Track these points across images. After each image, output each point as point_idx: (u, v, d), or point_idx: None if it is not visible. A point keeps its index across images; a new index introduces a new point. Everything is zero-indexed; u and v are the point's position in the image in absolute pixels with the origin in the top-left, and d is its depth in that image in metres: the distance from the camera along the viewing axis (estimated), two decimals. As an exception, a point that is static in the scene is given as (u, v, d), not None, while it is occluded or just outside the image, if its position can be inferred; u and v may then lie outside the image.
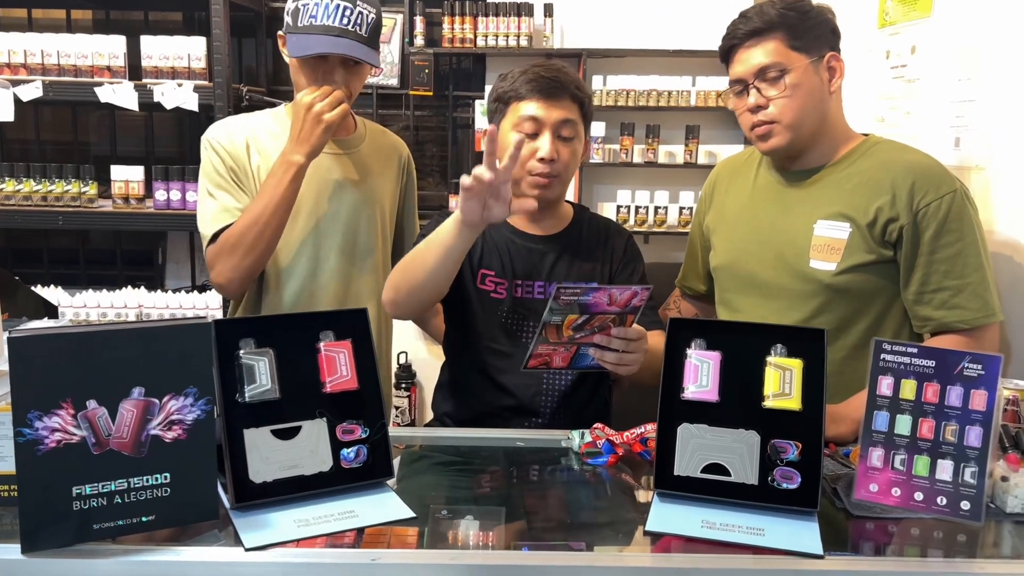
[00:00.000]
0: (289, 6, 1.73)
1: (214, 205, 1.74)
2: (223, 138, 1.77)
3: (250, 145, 1.77)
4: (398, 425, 3.60)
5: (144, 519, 1.06)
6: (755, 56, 1.55)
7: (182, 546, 1.06)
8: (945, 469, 1.17)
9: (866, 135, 1.65)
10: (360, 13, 1.69)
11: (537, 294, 1.68)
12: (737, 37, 1.57)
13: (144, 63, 3.21)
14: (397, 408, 3.72)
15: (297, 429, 1.22)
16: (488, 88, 3.74)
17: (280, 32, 1.77)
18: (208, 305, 3.26)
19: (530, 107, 1.60)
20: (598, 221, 1.80)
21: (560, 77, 1.61)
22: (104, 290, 3.29)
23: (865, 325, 1.57)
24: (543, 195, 1.62)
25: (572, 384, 1.69)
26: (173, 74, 3.22)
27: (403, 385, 3.72)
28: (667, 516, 1.18)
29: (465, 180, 1.36)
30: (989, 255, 1.55)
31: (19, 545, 1.01)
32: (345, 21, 1.67)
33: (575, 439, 1.44)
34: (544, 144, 1.59)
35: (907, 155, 1.59)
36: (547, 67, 1.64)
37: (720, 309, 1.78)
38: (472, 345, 1.69)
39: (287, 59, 1.77)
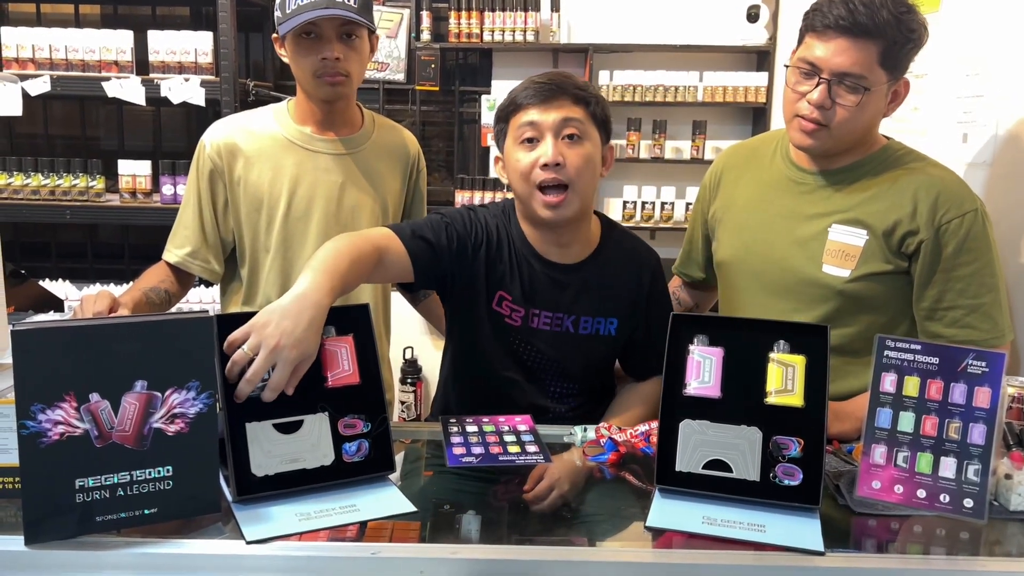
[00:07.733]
0: (277, 1, 1.69)
1: (178, 220, 1.83)
2: (209, 141, 1.78)
3: (240, 150, 1.76)
4: (404, 420, 3.61)
5: (146, 512, 1.07)
6: (844, 55, 1.42)
7: (184, 539, 1.06)
8: (948, 466, 1.16)
9: (888, 138, 1.60)
10: None
11: (555, 327, 1.58)
12: (837, 24, 1.42)
13: (151, 58, 3.22)
14: (403, 403, 3.72)
15: (299, 423, 1.23)
16: (495, 83, 3.74)
17: (275, 35, 1.73)
18: (214, 299, 3.28)
19: (527, 114, 1.48)
20: (627, 244, 1.66)
21: (557, 80, 1.50)
22: (112, 283, 3.31)
23: (873, 333, 1.54)
24: (558, 215, 1.48)
25: (578, 396, 1.65)
26: (180, 69, 3.23)
27: (409, 380, 3.72)
28: (668, 512, 1.18)
29: None
30: (1003, 275, 1.53)
31: (22, 537, 1.02)
32: None
33: (577, 435, 1.44)
34: (546, 148, 1.46)
35: (931, 168, 1.54)
36: (545, 75, 1.53)
37: (724, 307, 1.75)
38: (481, 366, 1.62)
39: (286, 60, 1.74)
